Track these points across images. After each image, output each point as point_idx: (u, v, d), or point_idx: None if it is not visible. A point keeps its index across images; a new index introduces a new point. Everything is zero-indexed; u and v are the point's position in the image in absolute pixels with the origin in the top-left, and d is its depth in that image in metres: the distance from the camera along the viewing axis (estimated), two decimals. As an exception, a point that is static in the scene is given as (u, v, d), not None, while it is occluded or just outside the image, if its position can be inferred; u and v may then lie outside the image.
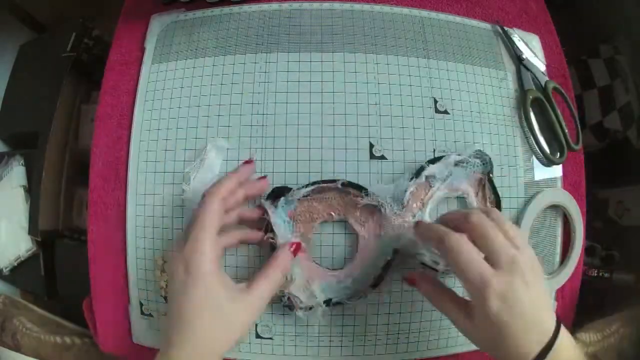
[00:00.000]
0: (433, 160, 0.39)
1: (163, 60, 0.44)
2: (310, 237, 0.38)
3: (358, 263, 0.38)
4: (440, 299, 0.33)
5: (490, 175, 0.39)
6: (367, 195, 0.37)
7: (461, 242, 0.29)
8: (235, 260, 0.39)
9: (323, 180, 0.38)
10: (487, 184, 0.39)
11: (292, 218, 0.38)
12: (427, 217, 0.38)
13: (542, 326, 0.28)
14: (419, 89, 0.41)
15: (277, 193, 0.38)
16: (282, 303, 0.37)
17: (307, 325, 0.39)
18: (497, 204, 0.39)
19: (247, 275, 0.39)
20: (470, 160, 0.39)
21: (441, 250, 0.31)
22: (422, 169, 0.38)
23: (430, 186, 0.39)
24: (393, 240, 0.37)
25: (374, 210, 0.38)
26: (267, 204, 0.37)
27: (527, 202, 0.42)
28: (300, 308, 0.37)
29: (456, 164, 0.39)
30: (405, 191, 0.37)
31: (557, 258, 0.44)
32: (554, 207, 0.43)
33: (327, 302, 0.37)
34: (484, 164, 0.39)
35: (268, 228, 0.37)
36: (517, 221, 0.41)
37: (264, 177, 0.38)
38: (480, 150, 0.39)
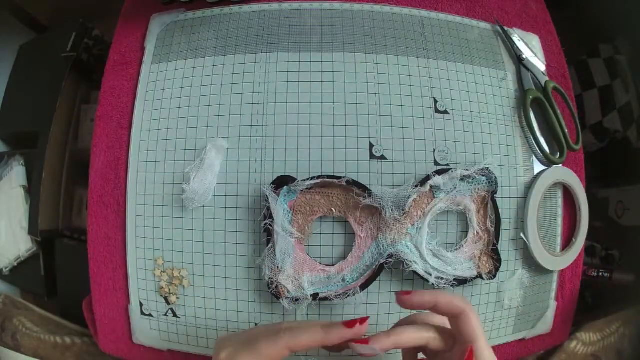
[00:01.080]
0: (440, 172, 0.38)
1: (163, 60, 0.44)
2: (307, 229, 0.38)
3: (350, 262, 0.38)
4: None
5: (495, 194, 0.39)
6: (370, 196, 0.37)
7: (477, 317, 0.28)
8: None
9: (328, 175, 0.38)
10: (489, 203, 0.39)
11: (292, 208, 0.38)
12: (427, 226, 0.38)
13: None
14: (419, 89, 0.41)
15: (281, 181, 0.38)
16: (270, 290, 0.37)
17: (307, 325, 0.39)
18: (497, 224, 0.39)
19: (247, 276, 0.39)
20: (476, 176, 0.39)
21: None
22: (427, 178, 0.38)
23: (434, 197, 0.39)
24: (389, 245, 0.37)
25: (375, 211, 0.38)
26: (269, 190, 0.37)
27: (532, 182, 0.42)
28: (287, 298, 0.37)
29: (462, 178, 0.39)
30: (408, 198, 0.37)
31: (559, 240, 0.44)
32: (556, 190, 0.43)
33: (315, 296, 0.37)
34: (489, 182, 0.39)
35: (267, 214, 0.37)
36: (523, 212, 0.41)
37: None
38: (487, 169, 0.39)
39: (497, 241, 0.39)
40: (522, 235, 0.41)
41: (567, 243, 0.44)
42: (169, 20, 0.45)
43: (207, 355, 0.41)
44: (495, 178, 0.39)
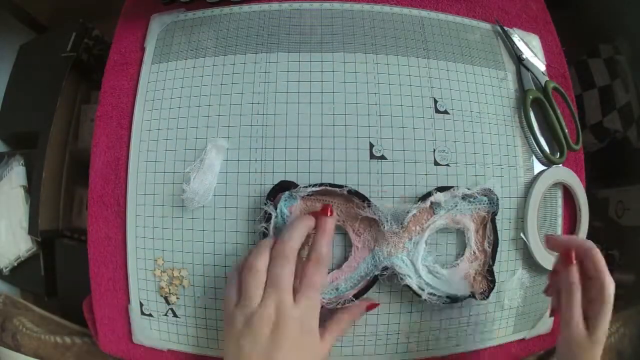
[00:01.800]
0: (441, 189, 0.38)
1: (163, 60, 0.44)
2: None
3: (345, 271, 0.38)
4: (579, 315, 0.33)
5: (495, 215, 0.39)
6: (369, 206, 0.37)
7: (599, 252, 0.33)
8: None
9: (330, 183, 0.38)
10: (489, 224, 0.39)
11: (292, 214, 0.38)
12: (424, 242, 0.38)
13: None
14: (419, 89, 0.41)
15: (282, 186, 0.38)
16: None
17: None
18: (495, 245, 0.39)
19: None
20: (478, 196, 0.39)
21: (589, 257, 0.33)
22: (429, 194, 0.38)
23: (433, 213, 0.38)
24: (384, 257, 0.37)
25: (373, 223, 0.38)
26: (269, 205, 0.37)
27: (532, 182, 0.42)
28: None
29: (464, 197, 0.39)
30: (408, 212, 0.37)
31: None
32: (556, 190, 0.43)
33: None
34: (490, 202, 0.39)
35: (265, 217, 0.37)
36: (523, 212, 0.41)
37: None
38: (489, 189, 0.39)
39: (493, 262, 0.39)
40: (522, 235, 0.41)
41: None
42: (169, 20, 0.45)
43: (207, 355, 0.41)
44: (497, 199, 0.39)
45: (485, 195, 0.39)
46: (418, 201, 0.38)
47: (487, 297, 0.39)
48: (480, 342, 0.41)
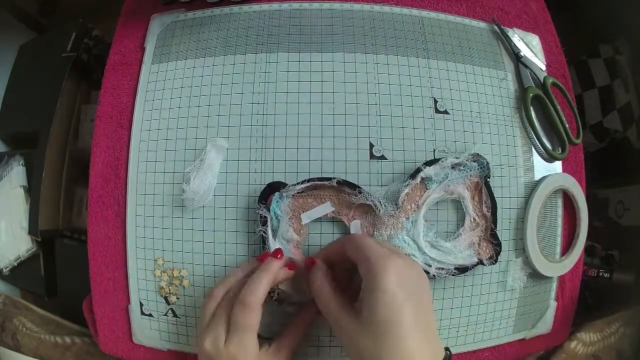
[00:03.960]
0: (430, 162, 0.38)
1: (163, 60, 0.44)
2: (302, 232, 0.38)
3: None
4: (328, 295, 0.32)
5: (488, 179, 0.39)
6: (360, 193, 0.37)
7: (362, 236, 0.33)
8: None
9: (318, 177, 0.38)
10: (483, 188, 0.39)
11: (284, 212, 0.38)
12: (422, 218, 0.38)
13: (435, 340, 0.29)
14: (419, 89, 0.41)
15: (272, 188, 0.38)
16: (272, 297, 0.37)
17: (307, 325, 0.39)
18: (494, 208, 0.39)
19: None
20: (467, 163, 0.39)
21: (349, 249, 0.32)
22: (418, 170, 0.38)
23: (426, 188, 0.38)
24: (385, 241, 0.37)
25: (369, 209, 0.38)
26: (262, 208, 0.37)
27: (534, 187, 0.42)
28: (290, 303, 0.37)
29: (453, 166, 0.39)
30: (400, 192, 0.37)
31: (559, 248, 0.44)
32: (556, 194, 0.43)
33: None
34: (481, 167, 0.39)
35: (262, 221, 0.37)
36: (523, 212, 0.41)
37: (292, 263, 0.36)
38: (477, 154, 0.39)
39: (495, 226, 0.39)
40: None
41: (566, 249, 0.44)
42: (169, 20, 0.45)
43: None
44: (487, 162, 0.39)
45: (475, 161, 0.39)
46: (408, 179, 0.38)
47: (496, 261, 0.38)
48: (481, 342, 0.41)
